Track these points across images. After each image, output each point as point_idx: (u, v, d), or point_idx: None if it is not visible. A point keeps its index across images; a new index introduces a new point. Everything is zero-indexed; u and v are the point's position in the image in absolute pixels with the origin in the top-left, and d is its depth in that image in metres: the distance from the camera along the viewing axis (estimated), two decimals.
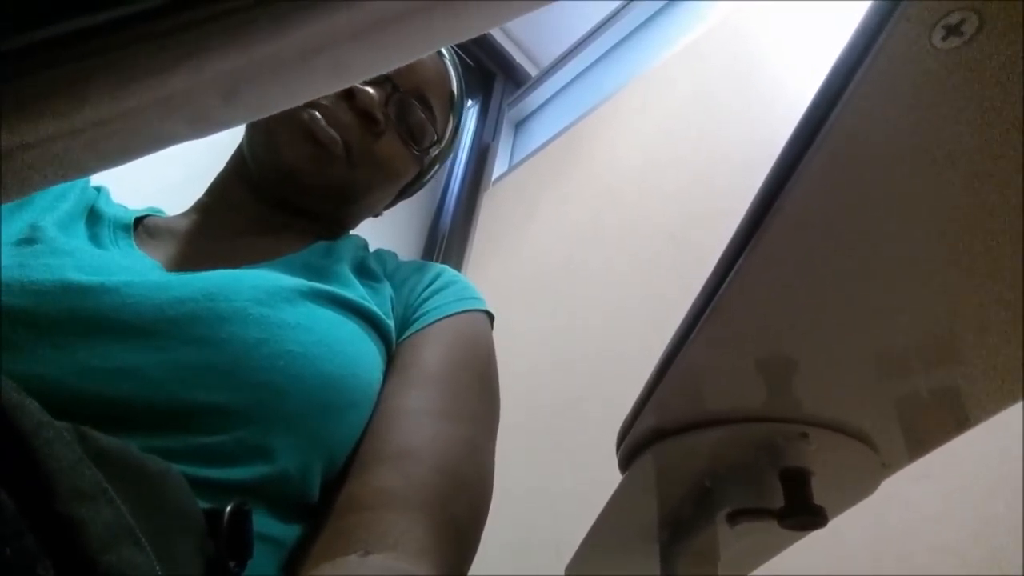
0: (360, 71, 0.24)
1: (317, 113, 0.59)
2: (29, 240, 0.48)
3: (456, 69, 0.72)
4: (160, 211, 0.65)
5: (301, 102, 0.25)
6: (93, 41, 0.22)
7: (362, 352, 0.52)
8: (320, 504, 0.48)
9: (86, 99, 0.22)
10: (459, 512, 0.47)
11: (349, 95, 0.61)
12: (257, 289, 0.48)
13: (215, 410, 0.43)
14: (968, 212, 0.23)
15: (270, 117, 0.60)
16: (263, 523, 0.43)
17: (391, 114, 0.64)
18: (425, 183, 0.76)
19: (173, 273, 0.51)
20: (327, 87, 0.25)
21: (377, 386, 0.53)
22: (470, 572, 0.48)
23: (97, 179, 0.61)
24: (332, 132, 0.60)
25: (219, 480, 0.41)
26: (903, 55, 0.18)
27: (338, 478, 0.49)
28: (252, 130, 0.64)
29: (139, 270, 0.50)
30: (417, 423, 0.50)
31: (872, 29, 0.18)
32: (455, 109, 0.72)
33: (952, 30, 0.16)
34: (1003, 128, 0.19)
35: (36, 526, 0.20)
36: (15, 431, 0.21)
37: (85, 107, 0.22)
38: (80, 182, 0.59)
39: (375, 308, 0.55)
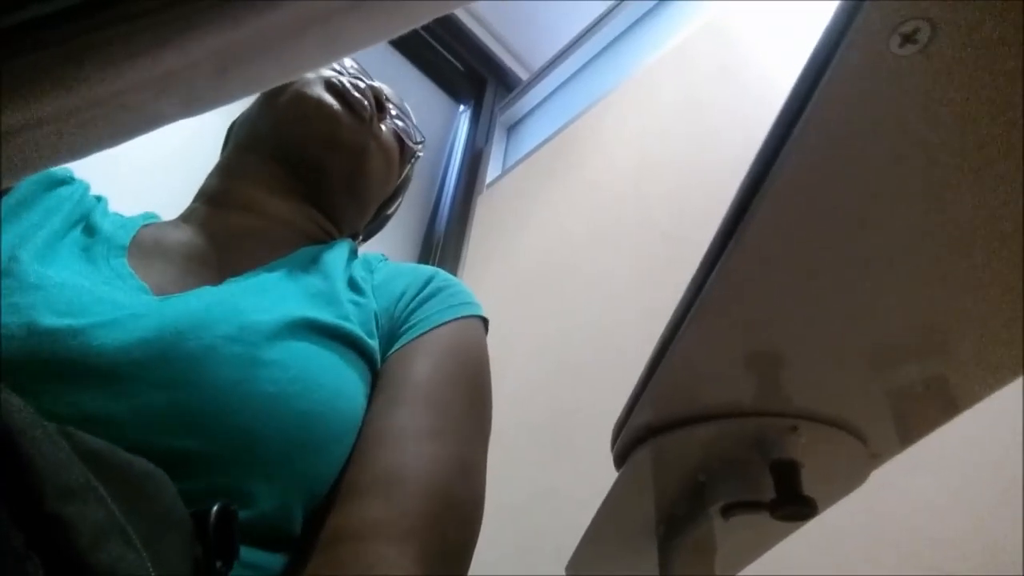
0: (351, 44, 0.25)
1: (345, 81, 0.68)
2: (4, 272, 0.47)
3: None
4: (155, 216, 0.64)
5: (293, 77, 0.26)
6: (83, 20, 0.22)
7: (343, 383, 0.50)
8: (306, 532, 0.46)
9: (79, 79, 0.22)
10: (449, 535, 0.46)
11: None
12: (230, 324, 0.47)
13: (188, 456, 0.41)
14: (935, 204, 0.24)
15: (300, 82, 0.64)
16: (246, 553, 0.41)
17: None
18: (396, 209, 0.84)
19: (154, 298, 0.49)
20: (318, 61, 0.25)
21: (361, 414, 0.51)
22: (470, 573, 0.48)
23: (95, 181, 0.62)
24: (359, 95, 0.68)
25: None
26: (865, 60, 0.18)
27: (324, 504, 0.47)
28: (276, 97, 0.67)
29: (118, 301, 0.48)
30: (404, 444, 0.49)
31: (835, 35, 0.18)
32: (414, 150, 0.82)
33: (907, 38, 0.17)
34: (965, 128, 0.20)
35: (25, 525, 0.20)
36: (3, 430, 0.21)
37: (78, 87, 0.22)
38: (80, 189, 0.59)
39: (358, 331, 0.54)
